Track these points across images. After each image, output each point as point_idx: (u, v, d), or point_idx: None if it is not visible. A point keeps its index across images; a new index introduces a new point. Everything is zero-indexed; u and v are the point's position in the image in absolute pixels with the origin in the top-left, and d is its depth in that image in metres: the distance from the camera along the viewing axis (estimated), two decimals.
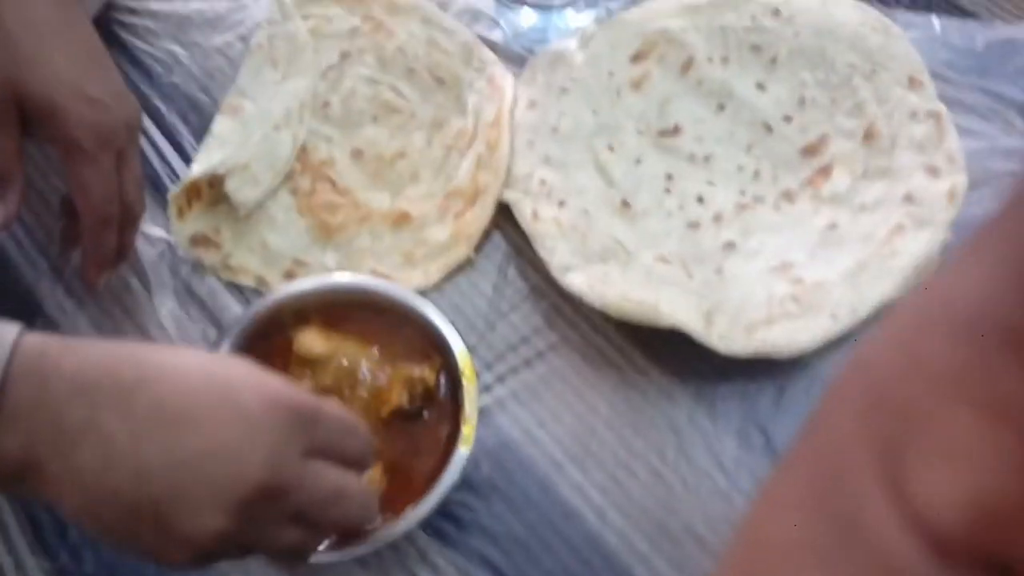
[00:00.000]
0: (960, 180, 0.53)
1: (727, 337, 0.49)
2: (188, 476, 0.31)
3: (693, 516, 0.47)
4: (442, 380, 0.48)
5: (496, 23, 0.63)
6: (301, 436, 0.34)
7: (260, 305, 0.49)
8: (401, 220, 0.56)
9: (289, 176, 0.57)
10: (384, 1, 0.63)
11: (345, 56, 0.61)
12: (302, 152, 0.58)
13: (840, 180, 0.55)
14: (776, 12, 0.60)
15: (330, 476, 0.35)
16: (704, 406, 0.50)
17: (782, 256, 0.52)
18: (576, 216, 0.53)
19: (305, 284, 0.50)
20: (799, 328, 0.49)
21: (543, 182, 0.54)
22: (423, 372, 0.47)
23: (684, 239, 0.54)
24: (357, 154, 0.58)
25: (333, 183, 0.57)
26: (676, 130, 0.58)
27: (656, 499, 0.47)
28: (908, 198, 0.53)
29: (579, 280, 0.51)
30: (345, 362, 0.47)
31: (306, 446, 0.34)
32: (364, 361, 0.47)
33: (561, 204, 0.54)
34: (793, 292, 0.50)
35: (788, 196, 0.55)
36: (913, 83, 0.56)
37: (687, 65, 0.59)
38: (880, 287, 0.50)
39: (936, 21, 0.62)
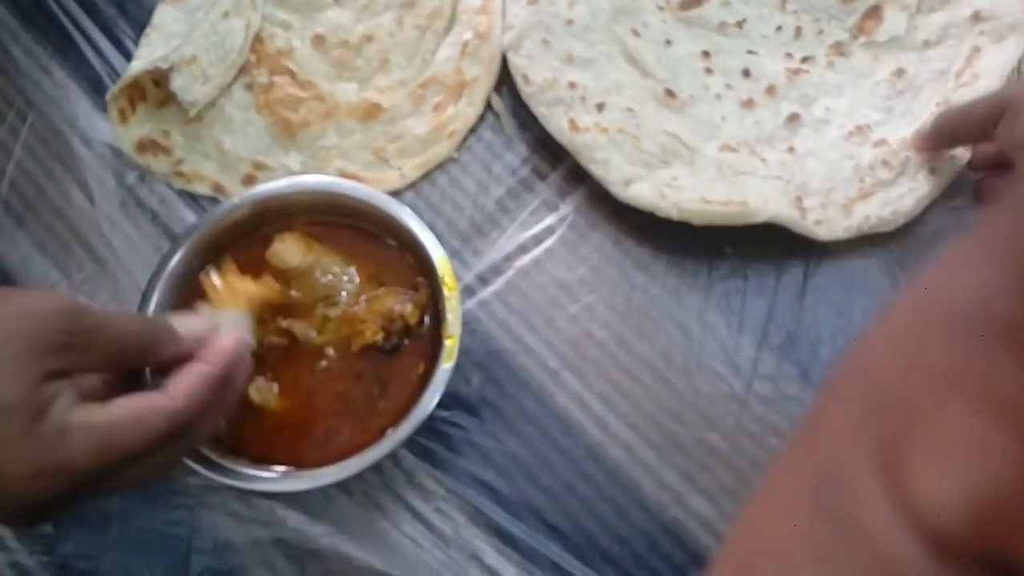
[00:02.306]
0: None
1: (825, 222, 0.45)
2: None
3: (704, 424, 0.43)
4: (426, 319, 0.42)
5: None
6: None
7: (219, 210, 0.44)
8: (371, 112, 0.50)
9: (244, 70, 0.51)
10: None
11: None
12: (257, 42, 0.51)
13: (894, 21, 0.49)
14: None
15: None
16: (715, 303, 0.45)
17: (854, 119, 0.48)
18: (621, 117, 0.46)
19: (260, 188, 0.44)
20: (901, 194, 0.45)
21: (572, 85, 0.47)
22: (404, 309, 0.42)
23: (743, 121, 0.48)
24: (319, 41, 0.52)
25: (293, 75, 0.51)
26: None
27: (663, 407, 0.43)
28: (976, 17, 0.48)
29: (646, 191, 0.45)
30: (323, 279, 0.42)
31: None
32: (344, 282, 0.42)
33: (600, 107, 0.47)
34: (881, 156, 0.46)
35: (839, 50, 0.50)
36: None
37: None
38: None
39: None
